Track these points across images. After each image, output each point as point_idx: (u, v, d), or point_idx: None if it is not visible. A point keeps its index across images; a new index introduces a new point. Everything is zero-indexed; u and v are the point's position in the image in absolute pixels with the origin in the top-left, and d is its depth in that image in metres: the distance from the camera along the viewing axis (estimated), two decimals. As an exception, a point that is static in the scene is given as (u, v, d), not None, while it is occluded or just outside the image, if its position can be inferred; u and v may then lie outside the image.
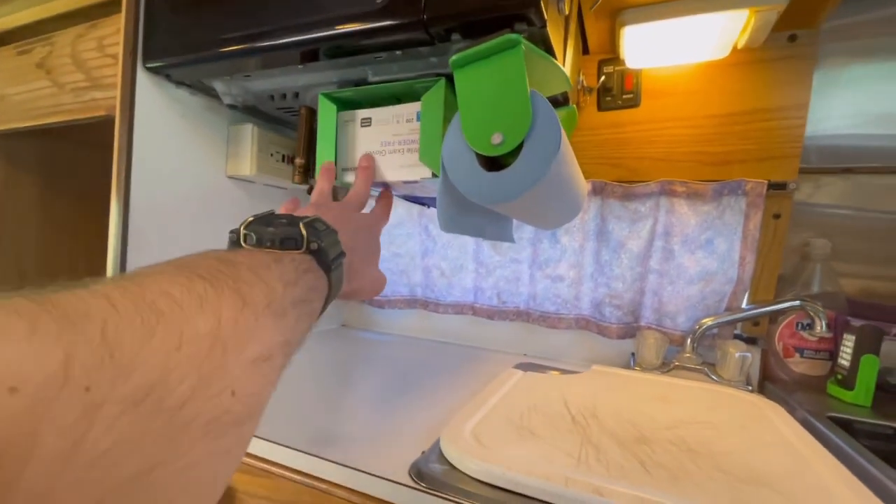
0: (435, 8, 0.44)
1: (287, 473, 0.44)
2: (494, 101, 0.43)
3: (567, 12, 0.51)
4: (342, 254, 0.35)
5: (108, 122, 0.63)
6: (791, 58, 0.64)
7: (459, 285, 0.93)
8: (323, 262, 0.32)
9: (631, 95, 0.72)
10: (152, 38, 0.61)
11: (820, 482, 0.40)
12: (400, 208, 0.94)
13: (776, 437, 0.50)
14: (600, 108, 0.75)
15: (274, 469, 0.45)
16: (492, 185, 0.44)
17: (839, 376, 0.66)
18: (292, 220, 0.32)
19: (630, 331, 0.79)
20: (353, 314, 1.07)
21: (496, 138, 0.43)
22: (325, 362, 0.78)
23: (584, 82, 0.71)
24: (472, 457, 0.40)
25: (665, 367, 0.75)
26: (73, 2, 0.68)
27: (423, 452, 0.44)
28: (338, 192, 0.59)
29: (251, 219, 0.33)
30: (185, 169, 0.69)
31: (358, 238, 0.43)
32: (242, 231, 0.32)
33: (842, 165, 0.69)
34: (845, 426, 0.55)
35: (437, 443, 0.44)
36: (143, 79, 0.62)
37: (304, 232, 0.31)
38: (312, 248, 0.31)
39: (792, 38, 0.64)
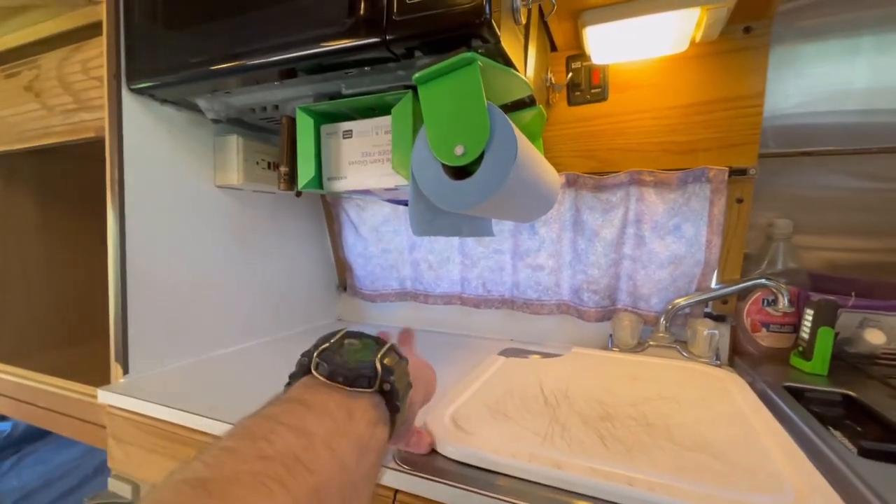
0: (395, 30, 0.47)
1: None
2: (455, 115, 0.46)
3: (524, 21, 0.54)
4: (409, 385, 0.34)
5: (99, 141, 0.66)
6: (746, 49, 0.67)
7: (447, 277, 0.97)
8: (392, 403, 0.31)
9: (599, 90, 0.75)
10: (134, 60, 0.64)
11: (760, 448, 0.44)
12: (387, 207, 0.97)
13: (731, 408, 0.55)
14: (570, 102, 0.78)
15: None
16: (457, 192, 0.48)
17: (800, 348, 0.71)
18: (365, 350, 0.32)
19: (607, 314, 0.83)
20: (348, 308, 1.12)
21: (459, 149, 0.46)
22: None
23: (553, 80, 0.74)
24: (450, 440, 0.45)
25: (640, 346, 0.79)
26: (56, 26, 0.70)
27: (407, 438, 0.48)
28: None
29: (324, 345, 0.32)
30: (175, 181, 0.73)
31: (419, 375, 0.39)
32: (315, 359, 0.31)
33: (799, 149, 0.72)
34: (798, 395, 0.60)
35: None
36: (128, 100, 0.65)
37: (378, 370, 0.30)
38: (385, 389, 0.31)
39: (747, 30, 0.66)
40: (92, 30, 0.66)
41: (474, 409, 0.53)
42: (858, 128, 0.70)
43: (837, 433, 0.54)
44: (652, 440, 0.45)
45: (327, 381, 0.30)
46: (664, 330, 0.78)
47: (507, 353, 0.79)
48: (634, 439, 0.45)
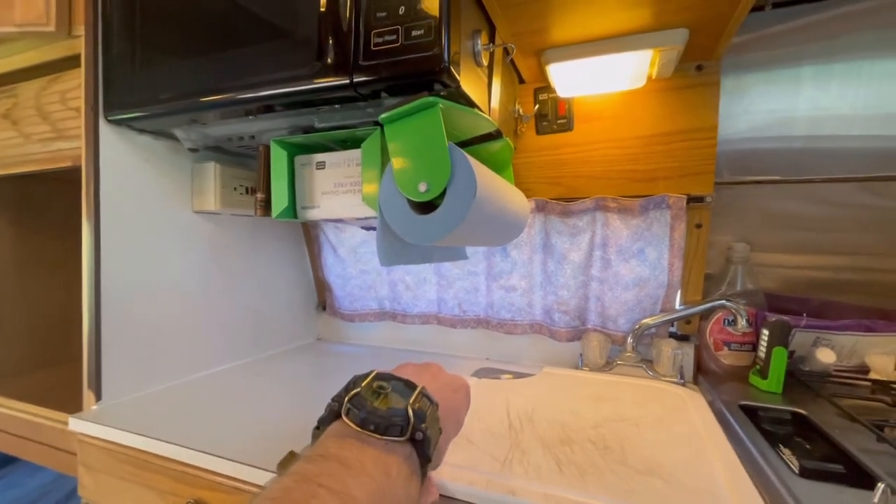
0: (362, 73, 0.49)
1: (255, 490, 0.50)
2: (419, 154, 0.49)
3: (486, 63, 0.57)
4: (440, 431, 0.34)
5: (76, 169, 0.67)
6: (699, 85, 0.71)
7: (424, 297, 0.99)
8: (423, 453, 0.31)
9: (564, 120, 0.79)
10: (111, 92, 0.65)
11: (708, 469, 0.47)
12: (363, 230, 0.99)
13: (687, 429, 0.57)
14: (538, 132, 0.81)
15: (244, 486, 0.51)
16: (422, 226, 0.50)
17: (758, 367, 0.74)
18: (396, 395, 0.31)
19: (577, 334, 0.86)
20: (328, 328, 1.13)
21: (422, 186, 0.49)
22: (298, 378, 0.83)
23: (521, 111, 0.77)
24: (413, 466, 0.46)
25: (608, 365, 0.82)
26: (34, 57, 0.71)
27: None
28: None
29: (354, 389, 0.31)
30: (152, 207, 0.74)
31: (449, 411, 0.38)
32: (346, 404, 0.30)
33: (750, 178, 0.76)
34: (752, 413, 0.63)
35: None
36: (105, 130, 0.67)
37: (411, 417, 0.30)
38: (417, 438, 0.30)
39: (699, 68, 0.71)
40: (70, 61, 0.68)
41: (440, 433, 0.55)
42: (803, 153, 0.75)
43: (787, 451, 0.56)
44: (606, 464, 0.48)
45: (359, 430, 0.29)
46: (631, 349, 0.81)
47: (479, 373, 0.81)
48: (590, 463, 0.48)
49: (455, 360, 0.93)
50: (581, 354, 0.85)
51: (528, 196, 0.83)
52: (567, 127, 0.79)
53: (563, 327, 0.86)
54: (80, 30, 0.65)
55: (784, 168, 0.75)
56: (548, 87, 0.77)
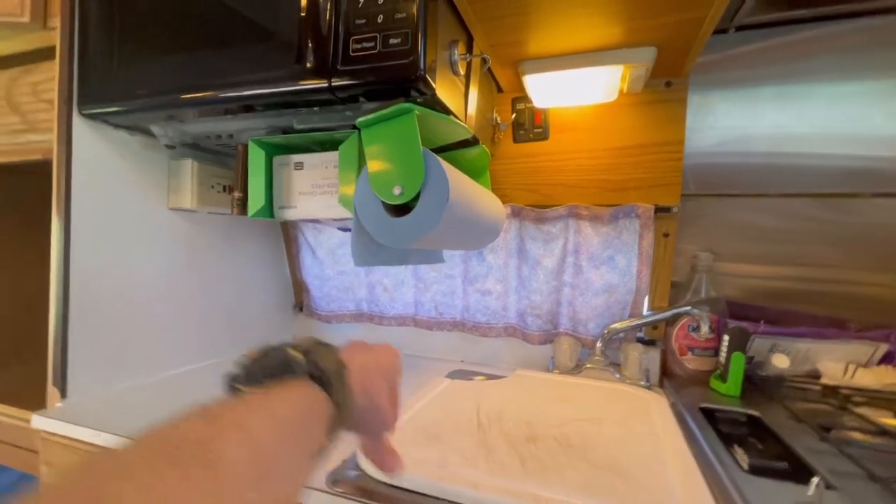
0: (340, 77, 0.50)
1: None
2: (394, 158, 0.50)
3: (463, 72, 0.59)
4: (341, 364, 0.32)
5: (47, 163, 0.66)
6: (668, 100, 0.75)
7: (401, 299, 1.00)
8: (320, 383, 0.29)
9: (541, 130, 0.81)
10: (86, 86, 0.65)
11: (663, 467, 0.49)
12: (341, 232, 1.00)
13: (648, 429, 0.60)
14: (515, 140, 0.84)
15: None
16: (395, 228, 0.51)
17: (718, 371, 0.77)
18: (279, 349, 0.31)
19: (550, 337, 0.88)
20: (304, 328, 1.12)
21: (396, 190, 0.50)
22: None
23: (499, 119, 0.79)
24: (380, 463, 0.47)
25: (578, 368, 0.84)
26: (6, 48, 0.70)
27: (343, 461, 0.51)
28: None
29: (246, 360, 0.31)
30: (126, 204, 0.73)
31: (361, 358, 0.36)
32: (234, 373, 0.30)
33: (714, 192, 0.80)
34: (710, 415, 0.66)
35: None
36: (79, 124, 0.66)
37: (293, 355, 0.30)
38: (311, 373, 0.29)
39: (668, 84, 0.74)
40: (44, 53, 0.67)
41: (410, 431, 0.56)
42: (763, 169, 0.79)
43: (740, 450, 0.59)
44: (568, 460, 0.49)
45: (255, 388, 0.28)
46: (600, 353, 0.84)
47: (453, 375, 0.82)
48: (552, 459, 0.49)
49: (431, 363, 0.95)
50: (552, 357, 0.87)
51: (504, 202, 0.85)
52: (543, 136, 0.82)
53: (536, 331, 0.89)
54: (56, 22, 0.64)
55: (745, 182, 0.79)
56: (525, 97, 0.80)
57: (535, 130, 0.82)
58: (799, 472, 0.48)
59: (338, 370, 0.31)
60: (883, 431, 0.57)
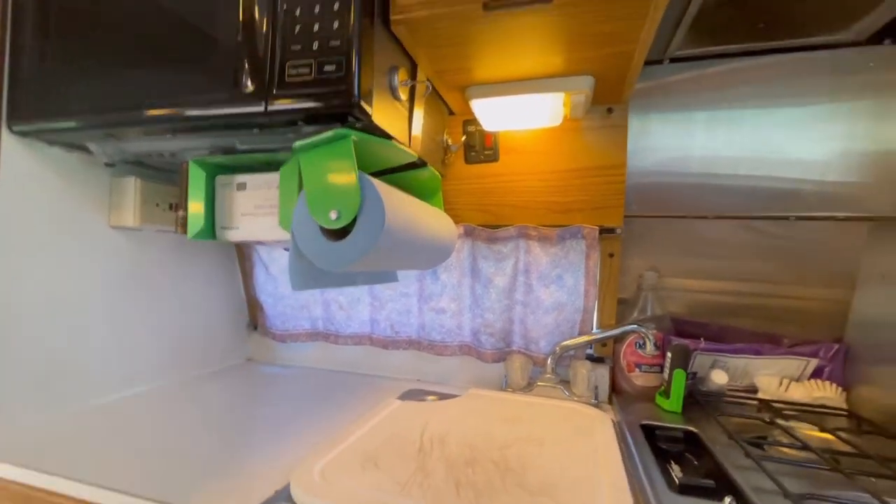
0: (276, 102, 0.50)
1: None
2: (330, 183, 0.50)
3: (406, 98, 0.60)
4: None
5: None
6: (610, 126, 0.78)
7: (357, 318, 0.99)
8: None
9: (491, 151, 0.83)
10: (16, 101, 0.62)
11: (596, 489, 0.50)
12: (297, 247, 0.99)
13: (588, 448, 0.61)
14: (467, 161, 0.85)
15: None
16: (332, 252, 0.51)
17: (662, 387, 0.80)
18: None
19: (503, 355, 0.89)
20: (259, 348, 1.10)
21: (333, 214, 0.50)
22: (219, 401, 0.80)
23: (450, 141, 0.81)
24: (313, 495, 0.46)
25: (530, 386, 0.85)
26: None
27: (275, 492, 0.49)
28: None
29: None
30: (61, 221, 0.70)
31: None
32: None
33: (654, 213, 0.84)
34: (651, 432, 0.68)
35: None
36: (9, 141, 0.63)
37: None
38: None
39: (609, 111, 0.78)
40: (-27, 67, 0.64)
41: (348, 457, 0.55)
42: (699, 189, 0.83)
43: (676, 467, 0.61)
44: (503, 485, 0.50)
45: None
46: (551, 371, 0.85)
47: (405, 395, 0.82)
48: (487, 485, 0.49)
49: (386, 382, 0.94)
50: (505, 375, 0.88)
51: (457, 221, 0.86)
52: (493, 157, 0.83)
53: (490, 349, 0.89)
54: (-15, 35, 0.62)
55: (684, 200, 0.83)
56: (475, 120, 0.82)
57: (486, 152, 0.83)
58: (726, 490, 0.50)
59: None
60: (805, 446, 0.60)
